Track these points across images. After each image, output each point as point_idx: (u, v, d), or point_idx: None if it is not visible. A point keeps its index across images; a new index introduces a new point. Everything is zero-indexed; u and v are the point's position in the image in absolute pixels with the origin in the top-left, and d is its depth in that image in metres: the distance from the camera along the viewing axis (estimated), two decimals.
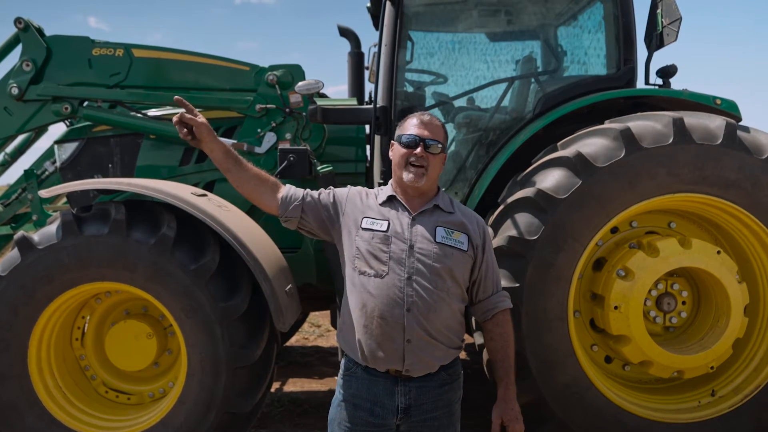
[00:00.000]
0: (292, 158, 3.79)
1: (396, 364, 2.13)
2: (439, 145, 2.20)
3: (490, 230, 2.34)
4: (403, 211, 2.22)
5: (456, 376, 2.26)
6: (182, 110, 2.21)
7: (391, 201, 2.25)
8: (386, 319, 2.10)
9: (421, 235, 2.16)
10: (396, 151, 2.24)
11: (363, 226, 2.19)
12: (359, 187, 2.37)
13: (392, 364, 2.13)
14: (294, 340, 6.51)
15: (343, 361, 2.31)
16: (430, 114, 2.30)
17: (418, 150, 2.17)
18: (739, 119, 3.61)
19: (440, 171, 2.28)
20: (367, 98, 4.59)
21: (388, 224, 2.18)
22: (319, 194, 2.34)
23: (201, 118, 2.26)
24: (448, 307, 2.15)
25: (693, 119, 3.31)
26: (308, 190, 2.36)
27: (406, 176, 2.18)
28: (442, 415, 2.20)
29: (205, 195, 3.50)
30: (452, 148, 4.34)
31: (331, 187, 2.38)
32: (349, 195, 2.31)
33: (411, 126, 2.22)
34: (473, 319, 3.41)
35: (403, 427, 2.18)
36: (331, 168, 3.83)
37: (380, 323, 2.11)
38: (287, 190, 2.34)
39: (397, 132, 2.28)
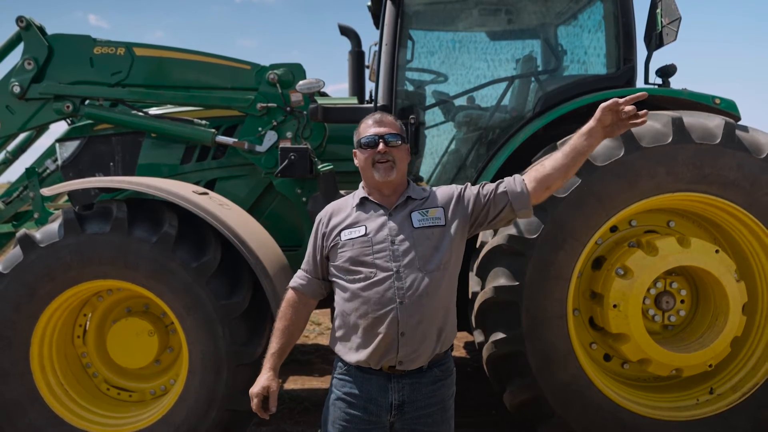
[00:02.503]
0: (292, 157, 3.81)
1: (390, 359, 2.15)
2: (399, 140, 2.24)
3: (459, 186, 2.34)
4: (379, 210, 2.25)
5: (449, 372, 2.29)
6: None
7: (363, 204, 2.28)
8: (380, 317, 2.13)
9: (399, 228, 2.20)
10: (359, 156, 2.28)
11: (343, 238, 2.23)
12: (323, 211, 2.38)
13: (386, 359, 2.16)
14: None
15: (336, 361, 2.33)
16: (381, 112, 2.35)
17: (380, 147, 2.21)
18: (738, 119, 3.62)
19: (407, 163, 2.32)
20: (367, 97, 4.60)
21: (365, 227, 2.22)
22: (313, 252, 2.35)
23: (272, 397, 2.28)
24: (439, 289, 2.18)
25: (692, 118, 3.33)
26: (304, 264, 2.38)
27: (377, 175, 2.22)
28: (436, 412, 2.22)
29: (206, 193, 3.51)
30: (452, 146, 4.35)
31: (310, 237, 2.38)
32: (322, 221, 2.34)
33: (367, 128, 2.27)
34: (472, 317, 3.44)
35: (397, 425, 2.20)
36: (331, 167, 3.84)
37: (375, 323, 2.14)
38: (301, 286, 2.35)
39: (355, 138, 2.31)
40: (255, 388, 2.27)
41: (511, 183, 2.28)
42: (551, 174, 2.24)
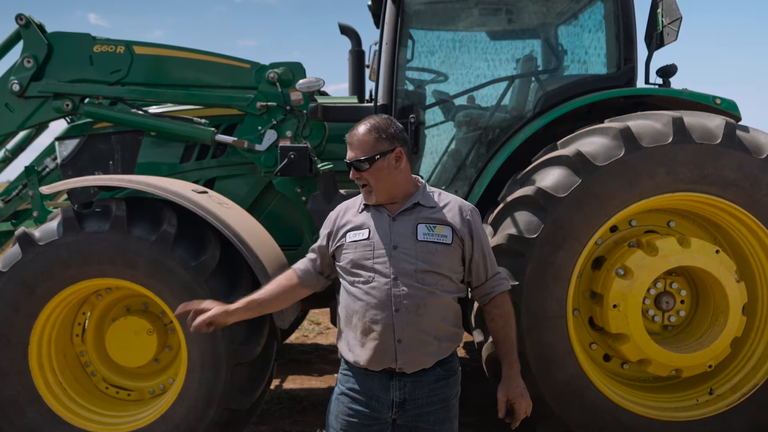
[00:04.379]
0: (292, 156, 3.81)
1: (389, 363, 2.17)
2: (365, 163, 2.19)
3: (476, 215, 2.32)
4: (383, 213, 2.25)
5: (452, 372, 2.28)
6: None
7: (369, 207, 2.29)
8: (376, 322, 2.15)
9: (402, 235, 2.19)
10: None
11: (347, 240, 2.25)
12: (337, 208, 2.40)
13: (386, 364, 2.18)
14: (293, 338, 6.52)
15: (341, 356, 2.35)
16: (353, 131, 2.26)
17: (351, 174, 2.26)
18: (739, 119, 3.61)
19: (390, 176, 2.21)
20: (367, 96, 4.59)
21: (369, 231, 2.22)
22: (318, 245, 2.40)
23: (209, 315, 2.30)
24: (438, 301, 2.18)
25: (692, 119, 3.32)
26: (309, 253, 2.43)
27: (363, 197, 2.29)
28: (438, 410, 2.23)
29: (205, 192, 3.51)
30: (452, 146, 4.35)
31: (321, 231, 2.41)
32: (331, 219, 2.38)
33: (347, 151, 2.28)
34: (472, 316, 3.44)
35: (399, 421, 2.22)
36: (331, 166, 3.84)
37: (371, 326, 2.16)
38: (300, 272, 2.40)
39: None
40: (200, 305, 2.31)
41: (492, 280, 2.35)
42: (491, 326, 2.42)
